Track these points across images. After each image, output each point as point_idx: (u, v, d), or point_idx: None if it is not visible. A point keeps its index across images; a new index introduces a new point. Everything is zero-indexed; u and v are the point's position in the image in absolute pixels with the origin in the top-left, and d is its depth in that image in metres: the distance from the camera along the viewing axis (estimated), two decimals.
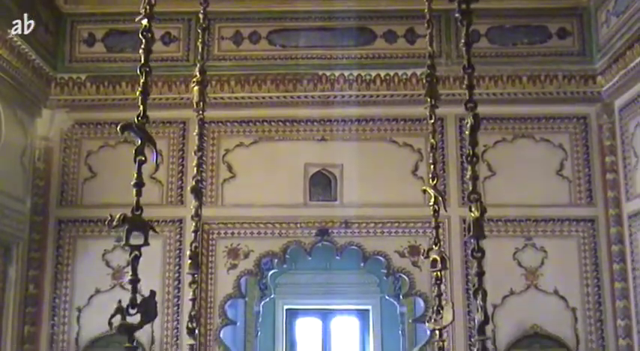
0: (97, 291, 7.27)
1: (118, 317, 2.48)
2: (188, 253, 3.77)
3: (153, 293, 2.54)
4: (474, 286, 2.55)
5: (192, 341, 3.82)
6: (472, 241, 2.59)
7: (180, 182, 7.45)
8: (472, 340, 6.90)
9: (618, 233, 7.05)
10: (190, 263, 3.77)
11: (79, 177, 7.57)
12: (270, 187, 7.48)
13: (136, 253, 2.52)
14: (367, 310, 12.97)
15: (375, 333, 12.80)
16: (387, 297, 11.26)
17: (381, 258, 7.37)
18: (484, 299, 2.50)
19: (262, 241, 7.38)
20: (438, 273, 3.81)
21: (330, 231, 7.38)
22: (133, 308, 2.47)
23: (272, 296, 11.32)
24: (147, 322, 2.52)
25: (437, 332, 3.88)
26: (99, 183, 7.50)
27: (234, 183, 7.52)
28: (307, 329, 13.36)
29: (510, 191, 7.26)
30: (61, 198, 7.54)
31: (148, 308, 2.50)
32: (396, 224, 7.34)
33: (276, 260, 7.71)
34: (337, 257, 7.60)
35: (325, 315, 13.38)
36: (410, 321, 9.81)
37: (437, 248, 3.78)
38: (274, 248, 7.40)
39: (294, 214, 7.41)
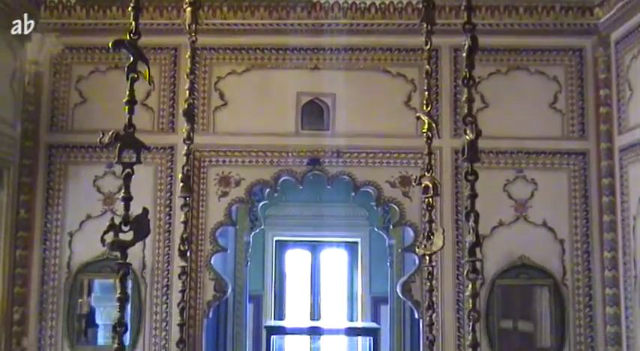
0: (88, 216, 7.27)
1: (111, 234, 2.48)
2: (180, 176, 3.76)
3: (145, 211, 2.54)
4: (466, 208, 2.57)
5: (183, 263, 3.84)
6: (466, 164, 2.59)
7: (171, 109, 7.38)
8: (460, 269, 6.99)
9: (609, 166, 7.07)
10: (182, 186, 3.76)
11: (69, 102, 7.49)
12: (262, 115, 7.43)
13: (129, 170, 2.51)
14: (356, 243, 13.11)
15: (363, 265, 12.98)
16: (376, 229, 11.37)
17: (371, 188, 7.38)
18: (476, 221, 2.53)
19: (253, 169, 7.37)
20: (430, 199, 3.82)
21: (321, 160, 7.36)
22: (125, 225, 2.47)
23: (262, 227, 11.40)
24: (140, 239, 2.52)
25: (427, 258, 3.92)
26: (89, 108, 7.43)
27: (225, 111, 7.46)
28: (296, 260, 13.52)
29: (503, 123, 7.23)
30: (52, 123, 7.47)
31: (140, 225, 2.50)
32: (388, 155, 7.33)
33: (267, 189, 7.72)
34: (328, 187, 7.61)
35: (314, 247, 13.53)
36: (399, 250, 9.94)
37: (429, 175, 3.77)
38: (265, 177, 7.38)
39: (285, 143, 7.37)
